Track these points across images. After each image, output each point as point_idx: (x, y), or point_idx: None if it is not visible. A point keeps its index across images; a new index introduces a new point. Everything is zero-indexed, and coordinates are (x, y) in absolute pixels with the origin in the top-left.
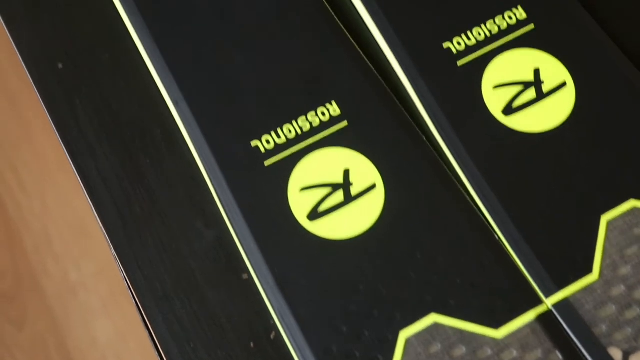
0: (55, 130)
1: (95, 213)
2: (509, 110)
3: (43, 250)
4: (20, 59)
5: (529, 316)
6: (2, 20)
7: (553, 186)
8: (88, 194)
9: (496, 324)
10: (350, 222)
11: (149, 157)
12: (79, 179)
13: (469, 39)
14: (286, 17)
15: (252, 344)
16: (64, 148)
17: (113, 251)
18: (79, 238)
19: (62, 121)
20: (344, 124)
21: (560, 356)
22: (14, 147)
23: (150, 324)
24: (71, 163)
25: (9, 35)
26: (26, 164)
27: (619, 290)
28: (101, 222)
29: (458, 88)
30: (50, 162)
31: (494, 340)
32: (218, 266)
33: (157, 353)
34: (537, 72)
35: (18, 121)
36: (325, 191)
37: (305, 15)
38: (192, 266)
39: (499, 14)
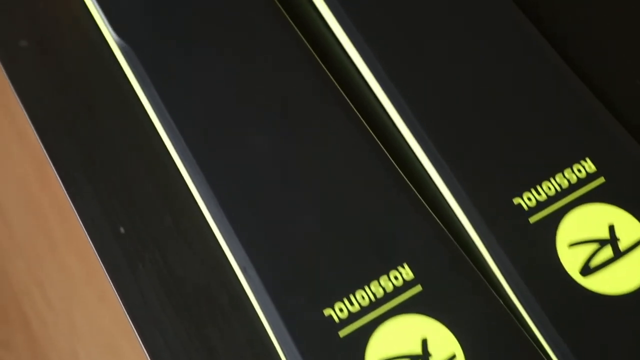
0: (119, 299)
1: None
2: (586, 270)
3: None
4: (81, 223)
5: None
6: (60, 181)
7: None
8: None
9: None
10: None
11: (217, 327)
12: (144, 350)
13: (539, 194)
14: (351, 175)
15: None
16: (128, 317)
17: None
18: (108, 358)
19: (126, 289)
20: (418, 288)
21: None
22: (39, 261)
23: None
24: (136, 333)
25: (66, 195)
26: (51, 278)
27: None
28: None
29: (532, 247)
30: (76, 275)
31: None
32: None
33: None
34: (612, 229)
35: (42, 233)
36: None
37: (370, 171)
38: None
39: (567, 167)
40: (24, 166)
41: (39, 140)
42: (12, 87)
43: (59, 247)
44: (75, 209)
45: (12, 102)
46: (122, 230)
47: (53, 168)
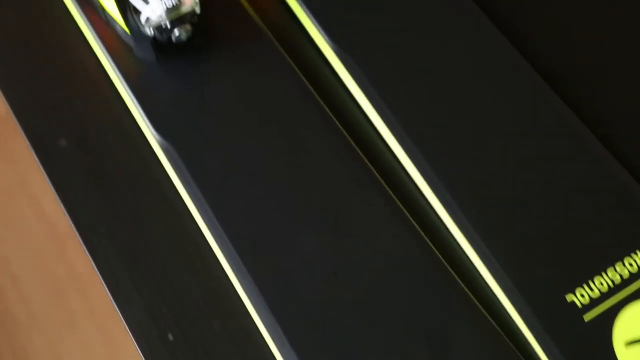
0: None
1: None
2: None
3: None
4: (129, 331)
5: None
6: (105, 287)
7: None
8: None
9: None
10: None
11: None
12: None
13: (591, 290)
14: (401, 277)
15: None
16: None
17: None
18: None
19: None
20: None
21: None
22: (59, 337)
23: None
24: None
25: (113, 302)
26: (71, 355)
27: None
28: None
29: (588, 346)
30: (96, 352)
31: None
32: None
33: None
34: None
35: (61, 309)
36: None
37: (420, 271)
38: None
39: (618, 260)
40: (40, 239)
41: (82, 244)
42: (52, 187)
43: (79, 324)
44: (122, 316)
45: (27, 174)
46: (170, 337)
47: (98, 273)
